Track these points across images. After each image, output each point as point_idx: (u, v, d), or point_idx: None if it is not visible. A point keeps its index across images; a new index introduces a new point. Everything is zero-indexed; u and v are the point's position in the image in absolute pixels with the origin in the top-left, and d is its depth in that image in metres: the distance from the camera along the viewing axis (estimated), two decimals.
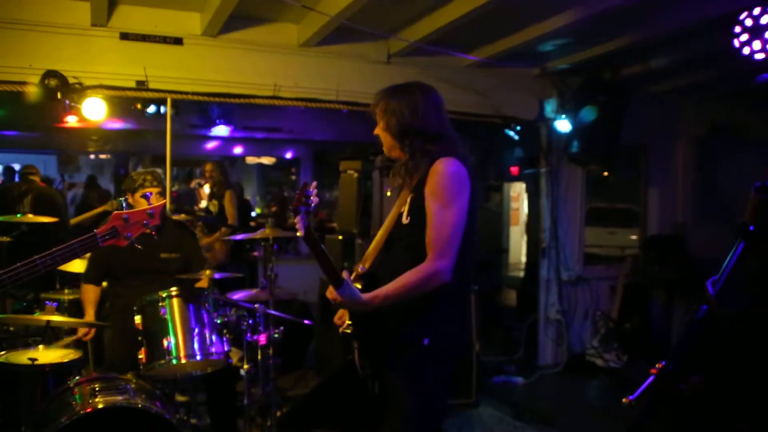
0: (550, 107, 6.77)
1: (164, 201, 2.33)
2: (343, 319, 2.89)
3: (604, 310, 7.17)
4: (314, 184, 2.40)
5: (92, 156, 12.24)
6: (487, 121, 6.62)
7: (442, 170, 2.60)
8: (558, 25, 5.26)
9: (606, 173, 9.36)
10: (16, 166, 9.31)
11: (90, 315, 4.17)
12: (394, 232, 2.80)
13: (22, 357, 3.61)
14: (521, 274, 10.03)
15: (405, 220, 2.70)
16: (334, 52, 5.86)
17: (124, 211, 2.21)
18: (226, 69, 5.57)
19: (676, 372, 1.55)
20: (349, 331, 2.77)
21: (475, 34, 5.71)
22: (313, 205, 2.37)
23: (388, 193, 5.61)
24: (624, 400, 1.64)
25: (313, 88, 5.83)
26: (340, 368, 5.04)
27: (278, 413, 4.36)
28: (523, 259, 10.54)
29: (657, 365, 1.59)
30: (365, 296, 2.55)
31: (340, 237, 6.08)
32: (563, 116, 6.56)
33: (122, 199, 2.28)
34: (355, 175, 5.94)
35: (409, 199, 2.71)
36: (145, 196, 2.21)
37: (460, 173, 2.62)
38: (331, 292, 2.53)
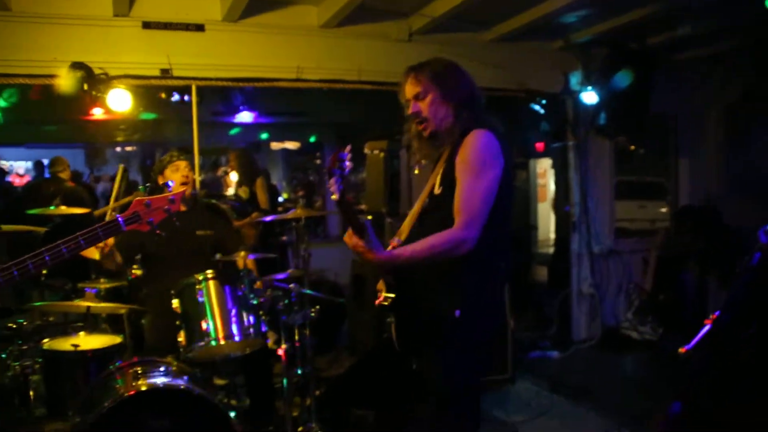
0: (575, 80, 6.68)
1: (185, 188, 2.38)
2: (382, 292, 2.89)
3: (637, 282, 7.10)
4: (348, 147, 2.40)
5: (118, 149, 12.36)
6: (511, 96, 6.55)
7: (475, 141, 2.60)
8: None
9: (633, 147, 9.25)
10: (45, 161, 9.41)
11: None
12: (427, 203, 2.80)
13: (65, 344, 3.67)
14: (550, 250, 9.95)
15: (437, 190, 2.70)
16: (355, 32, 5.83)
17: (147, 197, 2.23)
18: (249, 53, 5.56)
19: (732, 321, 1.53)
20: (386, 303, 2.78)
21: (497, 8, 5.63)
22: (347, 169, 2.36)
23: (416, 171, 5.59)
24: (680, 350, 1.62)
25: (336, 69, 5.80)
26: (375, 347, 5.06)
27: (316, 393, 4.38)
28: (552, 235, 10.45)
29: (711, 315, 1.57)
30: (392, 252, 2.55)
31: (369, 217, 6.07)
32: (589, 88, 6.47)
33: (145, 186, 2.30)
34: (382, 154, 5.93)
35: (441, 170, 2.70)
36: (166, 185, 2.23)
37: (492, 145, 2.61)
38: (350, 237, 2.51)
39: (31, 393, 3.33)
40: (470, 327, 2.63)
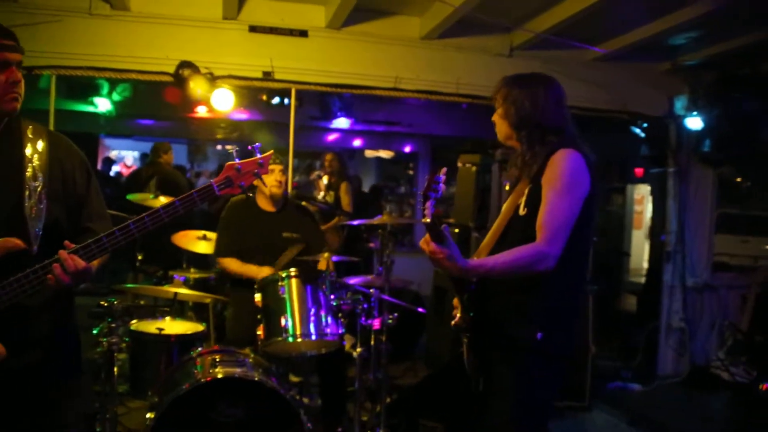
0: (680, 104, 6.44)
1: (272, 151, 2.42)
2: (457, 312, 2.85)
3: (732, 320, 6.74)
4: (444, 170, 2.39)
5: (219, 147, 12.84)
6: (611, 118, 6.38)
7: (562, 160, 2.55)
8: (691, 16, 4.96)
9: (739, 179, 8.80)
10: None
11: (254, 269, 4.18)
12: (510, 224, 2.74)
13: (151, 326, 3.85)
14: (642, 279, 9.61)
15: (522, 211, 2.64)
16: (455, 44, 5.83)
17: (237, 162, 2.30)
18: (349, 61, 5.67)
19: None
20: (462, 324, 2.74)
21: (601, 26, 5.52)
22: (440, 192, 2.35)
23: (507, 187, 5.54)
24: (761, 386, 1.53)
25: (434, 80, 5.82)
26: (451, 360, 5.02)
27: (387, 399, 4.39)
28: (645, 264, 10.09)
29: None
30: (473, 261, 2.51)
31: (457, 230, 6.06)
32: (695, 113, 6.23)
33: (234, 149, 2.37)
34: (474, 168, 5.91)
35: (526, 191, 2.65)
36: (254, 148, 2.30)
37: (580, 165, 2.56)
38: (427, 243, 2.41)
39: (116, 370, 3.50)
40: (552, 351, 2.58)
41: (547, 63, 5.83)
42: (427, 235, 2.41)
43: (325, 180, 7.56)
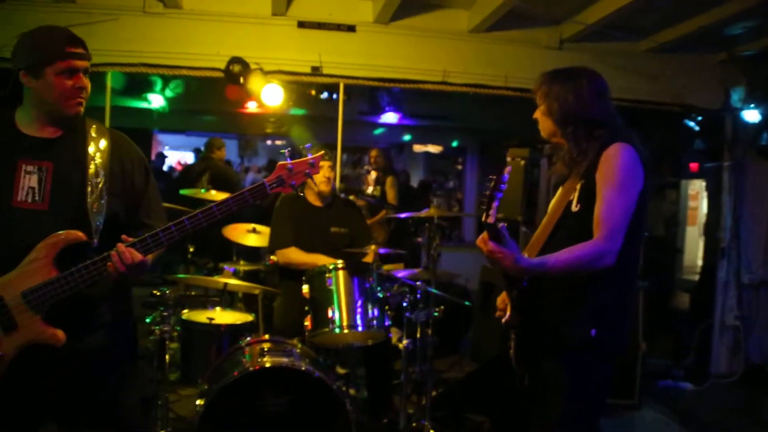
0: (737, 96, 6.25)
1: (323, 152, 2.46)
2: (504, 307, 2.82)
3: None
4: (508, 168, 2.36)
5: (268, 142, 12.98)
6: (664, 110, 6.25)
7: (616, 155, 2.51)
8: (748, 4, 4.82)
9: None
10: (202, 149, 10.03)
11: (322, 258, 4.17)
12: (561, 220, 2.70)
13: (201, 316, 3.93)
14: (695, 277, 9.39)
15: (575, 207, 2.60)
16: (504, 37, 5.78)
17: (288, 162, 2.35)
18: (397, 55, 5.68)
19: None
20: (513, 322, 2.72)
21: (653, 16, 5.39)
22: (503, 191, 2.33)
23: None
24: None
25: (482, 74, 5.78)
26: (498, 355, 5.00)
27: (433, 393, 4.40)
28: (699, 262, 9.85)
29: None
30: (534, 259, 2.48)
31: (505, 225, 6.02)
32: (752, 105, 6.04)
33: (287, 150, 2.41)
34: (522, 162, 5.85)
35: (579, 186, 2.60)
36: (306, 147, 2.35)
37: (634, 160, 2.52)
38: (484, 242, 2.38)
39: (167, 357, 3.59)
40: (605, 348, 2.55)
41: (598, 55, 5.74)
42: (485, 234, 2.39)
43: (373, 175, 7.60)
